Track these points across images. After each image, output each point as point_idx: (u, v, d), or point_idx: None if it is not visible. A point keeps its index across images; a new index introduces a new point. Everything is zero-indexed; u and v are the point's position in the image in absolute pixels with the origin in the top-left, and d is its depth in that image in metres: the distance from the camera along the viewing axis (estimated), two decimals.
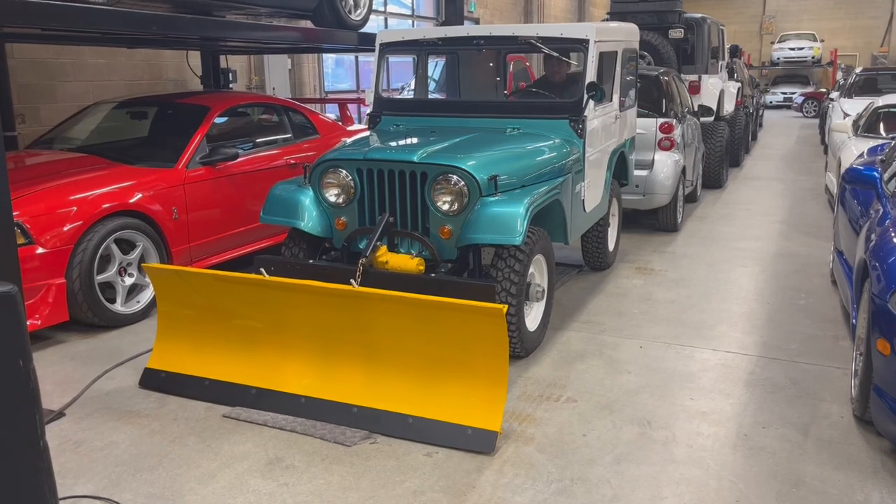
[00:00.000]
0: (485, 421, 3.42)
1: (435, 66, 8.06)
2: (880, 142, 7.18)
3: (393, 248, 4.46)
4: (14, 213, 4.06)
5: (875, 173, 4.69)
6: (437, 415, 3.51)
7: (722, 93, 11.24)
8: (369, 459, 3.35)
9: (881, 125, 8.34)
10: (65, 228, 4.76)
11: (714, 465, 3.31)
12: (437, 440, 3.46)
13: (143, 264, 4.55)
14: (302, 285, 3.75)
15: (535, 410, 3.82)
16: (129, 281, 5.17)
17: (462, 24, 8.64)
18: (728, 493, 3.09)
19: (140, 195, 5.26)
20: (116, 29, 4.85)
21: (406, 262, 4.30)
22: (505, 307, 3.29)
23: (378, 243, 4.31)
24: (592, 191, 5.55)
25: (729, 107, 11.91)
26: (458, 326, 3.44)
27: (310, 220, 4.60)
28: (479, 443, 3.40)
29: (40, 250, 4.65)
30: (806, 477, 3.20)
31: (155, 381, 4.11)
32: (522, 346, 4.36)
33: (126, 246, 5.17)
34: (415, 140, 4.85)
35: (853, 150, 7.48)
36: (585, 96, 5.17)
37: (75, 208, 4.85)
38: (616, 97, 5.95)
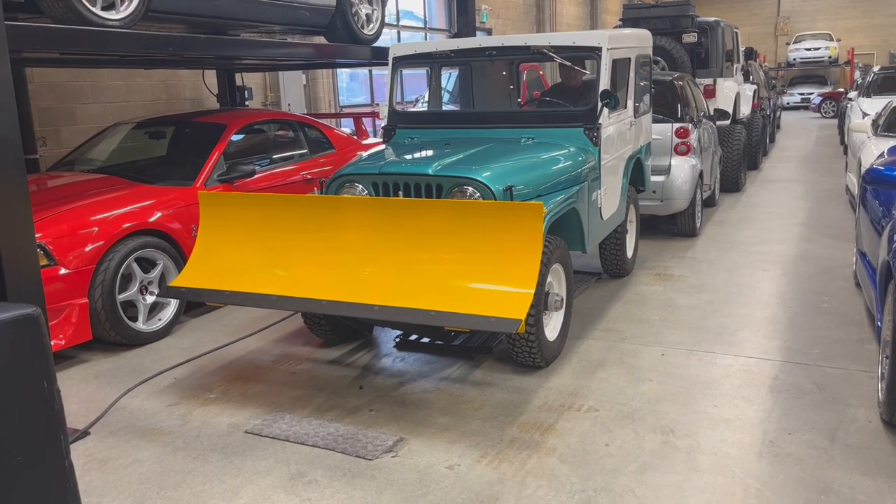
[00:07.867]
0: (508, 314, 3.51)
1: (448, 78, 8.09)
2: None
3: None
4: (37, 235, 4.12)
5: None
6: (460, 310, 3.61)
7: (738, 96, 11.17)
8: (391, 473, 3.35)
9: None
10: (86, 249, 4.83)
11: (739, 472, 3.27)
12: (457, 325, 3.56)
13: (199, 191, 4.61)
14: (351, 199, 4.01)
15: (557, 420, 3.80)
16: (150, 299, 5.22)
17: (474, 35, 8.67)
18: (754, 501, 3.05)
19: (159, 214, 5.32)
20: (134, 51, 4.92)
21: None
22: (543, 207, 3.45)
23: None
24: (609, 198, 5.53)
25: (745, 109, 11.84)
26: (494, 227, 3.61)
27: None
28: (502, 326, 3.48)
29: (63, 271, 4.71)
30: (834, 483, 3.16)
31: (173, 293, 4.25)
32: (542, 356, 4.34)
33: (146, 264, 5.23)
34: (430, 152, 4.87)
35: (873, 150, 7.40)
36: (599, 104, 5.16)
37: (96, 229, 4.91)
38: (630, 103, 5.94)
